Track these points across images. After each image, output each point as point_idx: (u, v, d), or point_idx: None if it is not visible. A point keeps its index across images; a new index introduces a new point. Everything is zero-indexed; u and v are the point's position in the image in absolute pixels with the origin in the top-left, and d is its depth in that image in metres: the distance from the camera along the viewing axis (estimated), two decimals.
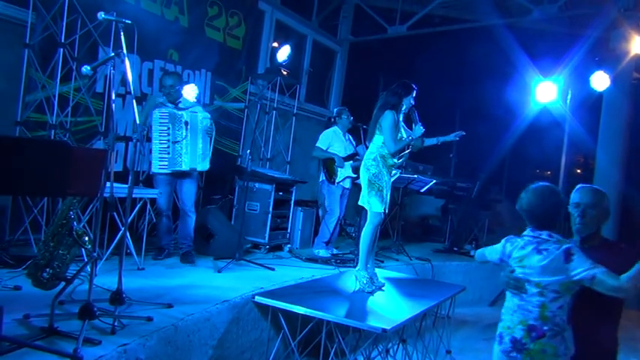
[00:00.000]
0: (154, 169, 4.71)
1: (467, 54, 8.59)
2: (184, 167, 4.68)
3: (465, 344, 5.30)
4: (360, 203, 4.45)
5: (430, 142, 4.85)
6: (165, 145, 4.62)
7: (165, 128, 4.62)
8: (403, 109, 4.42)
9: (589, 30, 6.76)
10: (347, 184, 6.09)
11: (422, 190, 7.01)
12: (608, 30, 6.55)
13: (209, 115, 4.87)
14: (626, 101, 6.57)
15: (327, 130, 6.25)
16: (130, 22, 3.22)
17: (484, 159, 8.76)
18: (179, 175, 4.79)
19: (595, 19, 6.64)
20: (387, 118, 4.29)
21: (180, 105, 4.76)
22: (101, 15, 3.19)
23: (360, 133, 6.14)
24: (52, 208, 4.52)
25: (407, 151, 4.98)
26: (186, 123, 4.65)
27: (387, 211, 4.45)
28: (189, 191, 4.87)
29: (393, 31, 8.57)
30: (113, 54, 3.00)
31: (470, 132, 9.87)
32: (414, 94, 4.44)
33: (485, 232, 8.41)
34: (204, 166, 4.82)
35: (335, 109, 6.95)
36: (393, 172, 4.59)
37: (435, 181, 7.00)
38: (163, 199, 4.76)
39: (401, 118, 4.51)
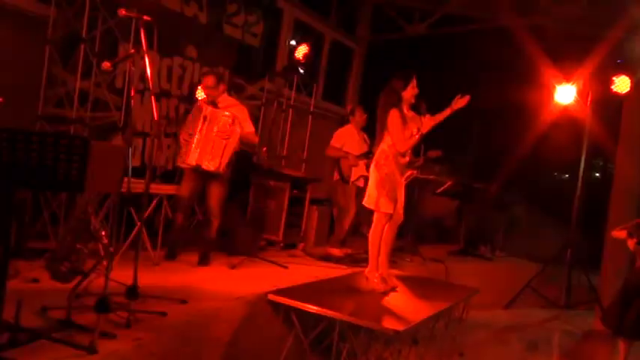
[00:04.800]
0: (178, 162, 4.75)
1: (486, 54, 8.50)
2: (189, 161, 4.58)
3: (478, 347, 5.26)
4: (365, 204, 4.39)
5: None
6: (190, 139, 4.62)
7: (195, 123, 4.64)
8: (406, 102, 4.31)
9: (611, 32, 6.65)
10: (361, 182, 6.07)
11: (437, 191, 6.98)
12: (631, 32, 6.44)
13: (233, 116, 4.61)
14: None
15: (340, 129, 6.23)
16: (149, 18, 3.25)
17: (501, 161, 8.68)
18: (206, 176, 4.71)
19: (617, 21, 6.54)
20: (391, 118, 4.20)
21: (220, 105, 4.72)
22: (122, 12, 3.22)
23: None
24: (70, 202, 4.58)
25: (422, 157, 4.92)
26: (204, 117, 4.57)
27: (401, 212, 4.42)
28: (214, 194, 4.74)
29: (412, 29, 8.53)
30: (133, 51, 3.02)
31: (488, 133, 9.85)
32: (413, 83, 4.28)
33: (501, 234, 8.34)
34: (209, 166, 4.55)
35: (349, 107, 6.94)
36: (409, 172, 4.55)
37: (451, 182, 6.96)
38: (183, 194, 4.73)
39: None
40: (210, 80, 4.72)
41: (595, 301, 6.36)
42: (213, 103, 4.70)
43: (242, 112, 4.81)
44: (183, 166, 4.69)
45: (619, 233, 4.70)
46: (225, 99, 4.83)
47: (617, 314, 4.42)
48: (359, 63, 9.31)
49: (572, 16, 7.33)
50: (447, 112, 4.26)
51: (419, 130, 4.24)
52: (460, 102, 4.23)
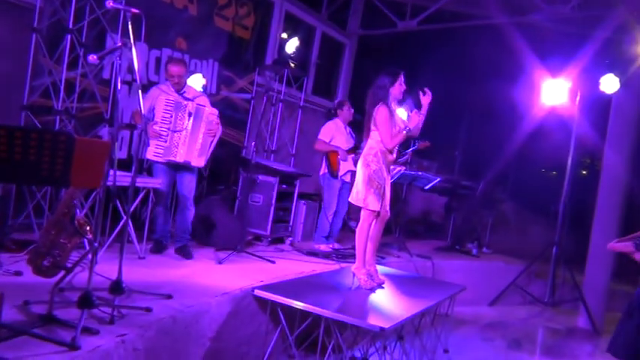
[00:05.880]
0: (149, 154, 4.57)
1: (476, 51, 8.54)
2: (178, 158, 4.53)
3: (463, 344, 5.31)
4: (352, 201, 4.37)
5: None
6: (165, 133, 4.50)
7: (168, 115, 4.50)
8: (394, 98, 4.33)
9: (600, 31, 6.69)
10: (347, 177, 6.06)
11: (426, 188, 7.00)
12: (619, 32, 6.48)
13: (217, 113, 4.68)
14: (636, 105, 6.53)
15: (328, 122, 6.15)
16: (137, 11, 3.20)
17: (489, 158, 8.73)
18: (178, 167, 4.67)
19: (606, 21, 6.58)
20: (380, 113, 4.21)
21: (185, 94, 4.66)
22: (109, 3, 3.17)
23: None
24: (55, 194, 4.53)
25: (411, 149, 4.91)
26: (189, 113, 4.51)
27: (387, 209, 4.41)
28: (189, 184, 4.72)
29: (403, 25, 8.51)
30: (120, 44, 2.98)
31: (476, 130, 9.90)
32: (401, 79, 4.30)
33: (488, 231, 8.39)
34: (199, 162, 4.62)
35: (336, 101, 6.89)
36: (397, 169, 4.55)
37: (440, 179, 6.98)
38: (163, 189, 4.67)
39: (403, 109, 4.43)
40: (178, 69, 4.58)
41: (579, 299, 6.43)
42: (185, 97, 4.59)
43: (207, 102, 4.76)
44: (157, 159, 4.60)
45: (620, 246, 3.93)
46: (189, 89, 4.75)
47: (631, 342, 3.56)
48: (350, 57, 9.28)
49: (562, 15, 7.36)
50: (421, 117, 4.32)
51: (406, 126, 4.25)
52: (425, 99, 4.30)
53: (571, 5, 7.18)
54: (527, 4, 7.63)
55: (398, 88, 4.30)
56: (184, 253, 4.72)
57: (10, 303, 2.76)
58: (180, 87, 4.65)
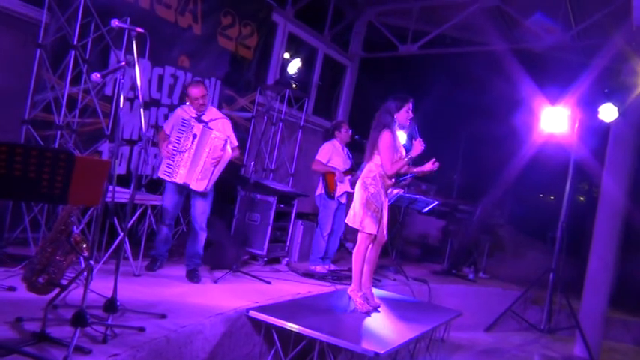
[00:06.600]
0: (160, 172, 4.58)
1: (476, 77, 8.61)
2: (178, 180, 4.49)
3: None
4: (349, 222, 4.36)
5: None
6: (175, 153, 4.49)
7: (181, 136, 4.50)
8: (399, 125, 4.32)
9: (598, 60, 6.76)
10: (344, 199, 6.06)
11: (424, 211, 6.99)
12: (618, 61, 6.54)
13: (225, 139, 4.52)
14: (635, 133, 6.57)
15: (326, 144, 6.13)
16: (142, 31, 3.23)
17: (487, 182, 8.75)
18: (190, 190, 4.60)
19: (605, 50, 6.65)
20: (383, 139, 4.20)
21: (203, 117, 4.60)
22: (115, 23, 3.21)
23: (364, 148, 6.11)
24: (52, 209, 4.53)
25: (410, 175, 4.93)
26: (194, 135, 4.47)
27: (385, 232, 4.41)
28: (200, 207, 4.63)
29: (405, 49, 8.61)
30: (123, 63, 3.01)
31: (475, 154, 9.95)
32: (409, 106, 4.27)
33: (485, 255, 8.37)
34: (198, 186, 4.49)
35: (334, 122, 6.89)
36: (395, 191, 4.55)
37: (437, 202, 6.98)
38: (168, 207, 4.64)
39: (404, 136, 4.45)
40: (199, 90, 4.53)
41: (576, 327, 6.39)
42: (199, 120, 4.56)
43: (226, 126, 4.71)
44: (166, 179, 4.59)
45: None
46: (209, 111, 4.71)
47: None
48: (351, 79, 9.36)
49: (562, 44, 7.45)
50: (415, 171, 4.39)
51: (408, 154, 4.26)
52: (429, 166, 4.33)
53: (571, 34, 7.27)
54: (527, 33, 7.73)
55: (404, 114, 4.27)
56: (191, 277, 4.63)
57: (2, 319, 2.75)
58: (203, 108, 4.60)
